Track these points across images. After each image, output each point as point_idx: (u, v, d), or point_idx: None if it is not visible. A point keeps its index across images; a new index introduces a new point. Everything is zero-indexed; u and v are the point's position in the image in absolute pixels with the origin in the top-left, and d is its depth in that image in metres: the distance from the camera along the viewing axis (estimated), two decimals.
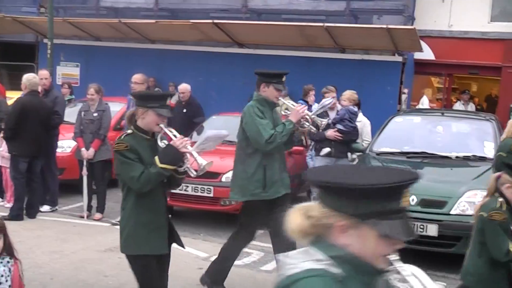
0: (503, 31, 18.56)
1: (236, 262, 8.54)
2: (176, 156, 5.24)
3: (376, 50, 17.48)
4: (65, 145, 12.38)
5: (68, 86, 15.64)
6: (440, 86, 21.51)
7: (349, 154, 10.93)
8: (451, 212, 8.63)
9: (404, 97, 17.16)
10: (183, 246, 5.65)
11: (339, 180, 2.17)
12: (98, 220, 10.74)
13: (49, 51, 16.80)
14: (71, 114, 12.12)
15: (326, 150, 10.48)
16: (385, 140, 10.60)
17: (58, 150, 11.69)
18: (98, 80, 12.28)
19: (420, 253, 8.97)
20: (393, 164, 9.99)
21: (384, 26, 15.71)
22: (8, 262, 4.06)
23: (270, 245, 9.37)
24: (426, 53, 18.60)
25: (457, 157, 9.87)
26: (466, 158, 9.90)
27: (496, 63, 18.71)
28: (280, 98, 7.23)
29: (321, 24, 16.41)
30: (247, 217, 7.22)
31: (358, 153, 10.69)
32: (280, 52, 18.13)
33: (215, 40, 18.69)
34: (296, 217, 2.28)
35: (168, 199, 10.68)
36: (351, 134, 10.44)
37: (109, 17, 19.88)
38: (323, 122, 7.59)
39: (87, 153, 10.68)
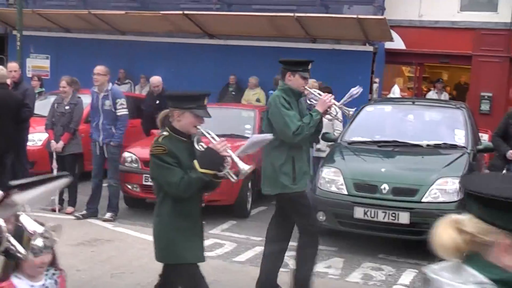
0: (473, 20, 18.70)
1: (209, 254, 8.56)
2: (217, 160, 4.99)
3: (347, 40, 17.49)
4: (36, 138, 12.28)
5: (38, 78, 15.52)
6: (411, 75, 21.65)
7: (314, 144, 10.97)
8: (423, 200, 8.69)
9: (375, 86, 17.23)
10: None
11: (507, 194, 1.93)
12: (70, 213, 10.67)
13: (18, 43, 16.63)
14: (41, 107, 12.02)
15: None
16: (356, 129, 10.62)
17: (29, 143, 11.58)
18: (68, 73, 12.18)
19: (392, 241, 9.07)
20: (365, 154, 10.05)
21: (355, 16, 15.76)
22: (53, 274, 3.89)
23: (243, 236, 9.39)
24: (397, 43, 18.68)
25: (428, 145, 9.92)
26: (437, 146, 9.95)
27: (467, 52, 18.85)
28: (306, 87, 6.89)
29: (291, 14, 16.43)
30: (291, 209, 6.94)
31: (329, 143, 10.71)
32: (251, 42, 18.12)
33: (185, 31, 18.59)
34: (447, 232, 2.08)
35: (140, 191, 10.80)
36: None
37: (79, 8, 19.68)
38: (351, 112, 7.19)
39: (56, 146, 10.59)
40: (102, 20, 18.91)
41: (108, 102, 10.43)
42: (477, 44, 18.75)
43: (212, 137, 5.13)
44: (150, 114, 13.51)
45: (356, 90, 7.25)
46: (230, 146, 5.11)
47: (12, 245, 2.71)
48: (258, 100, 16.33)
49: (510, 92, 18.92)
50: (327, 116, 6.93)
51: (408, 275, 8.22)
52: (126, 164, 11.04)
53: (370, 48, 17.23)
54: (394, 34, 17.68)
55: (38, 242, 2.78)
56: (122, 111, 10.49)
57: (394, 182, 8.83)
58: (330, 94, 7.04)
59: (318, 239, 7.12)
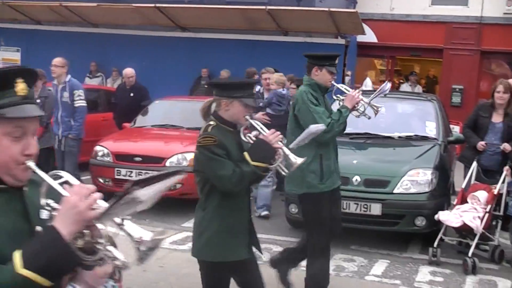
0: (444, 14, 18.84)
1: (182, 247, 8.55)
2: (269, 153, 4.75)
3: (319, 32, 17.53)
4: None
5: None
6: (383, 68, 21.79)
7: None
8: (394, 191, 8.74)
9: (347, 79, 17.29)
10: (261, 252, 5.18)
11: None
12: None
13: None
14: None
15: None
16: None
17: None
18: (39, 65, 11.97)
19: (365, 232, 9.11)
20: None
21: (327, 9, 15.79)
22: (113, 286, 3.72)
23: None
24: (369, 36, 18.78)
25: (399, 137, 9.98)
26: (409, 138, 10.02)
27: (438, 45, 19.00)
28: (333, 82, 6.66)
29: (263, 7, 16.43)
30: (310, 212, 6.68)
31: None
32: (223, 35, 18.10)
33: (157, 24, 18.51)
34: None
35: (112, 185, 10.69)
36: (281, 118, 10.24)
37: (50, 0, 19.49)
38: (380, 109, 6.89)
39: None
40: (73, 12, 18.75)
41: (66, 94, 10.38)
42: (448, 37, 18.91)
43: (261, 128, 4.91)
44: (124, 107, 13.48)
45: (386, 86, 7.12)
46: (282, 137, 4.88)
47: (110, 252, 2.39)
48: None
49: (480, 84, 19.11)
50: (354, 112, 6.69)
51: (380, 266, 8.26)
52: (98, 158, 10.96)
53: (342, 41, 17.27)
54: (366, 28, 17.75)
55: (146, 250, 2.48)
56: (80, 102, 10.42)
57: (365, 174, 8.87)
58: (358, 90, 6.88)
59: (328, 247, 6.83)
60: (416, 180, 8.81)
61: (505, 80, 9.72)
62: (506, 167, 8.70)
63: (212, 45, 17.78)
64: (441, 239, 8.50)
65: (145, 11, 17.58)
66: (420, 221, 8.67)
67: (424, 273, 8.00)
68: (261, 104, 10.68)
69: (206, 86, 17.19)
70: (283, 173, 5.01)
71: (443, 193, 9.25)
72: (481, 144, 9.06)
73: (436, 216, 8.34)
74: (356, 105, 6.60)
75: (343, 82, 16.87)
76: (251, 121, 4.85)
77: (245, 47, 17.54)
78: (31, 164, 2.44)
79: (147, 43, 18.75)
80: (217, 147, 4.64)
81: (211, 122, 4.82)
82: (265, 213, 10.49)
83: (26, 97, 2.40)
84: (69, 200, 2.27)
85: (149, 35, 18.99)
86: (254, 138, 4.86)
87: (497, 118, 9.20)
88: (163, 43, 18.57)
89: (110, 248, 2.37)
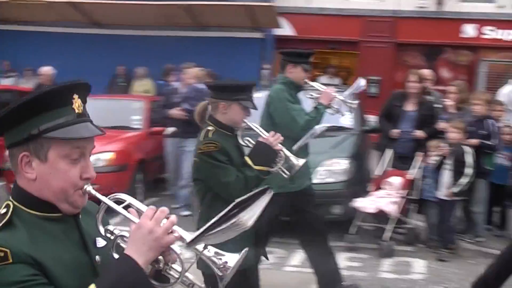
0: (359, 8, 19.10)
1: None
2: (271, 155, 4.67)
3: (236, 27, 17.51)
4: None
5: None
6: None
7: None
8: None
9: (265, 72, 17.33)
10: (267, 258, 5.15)
11: None
12: None
13: None
14: None
15: (171, 129, 10.43)
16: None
17: None
18: None
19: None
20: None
21: (243, 3, 15.78)
22: None
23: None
24: (287, 30, 18.85)
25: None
26: None
27: (354, 38, 19.24)
28: (306, 80, 6.60)
29: (179, 2, 16.29)
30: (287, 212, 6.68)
31: None
32: (139, 32, 17.90)
33: (72, 20, 18.13)
34: None
35: None
36: None
37: None
38: (354, 105, 6.86)
39: None
40: None
41: None
42: (364, 30, 19.18)
43: (260, 131, 4.80)
44: None
45: (362, 83, 7.10)
46: (282, 139, 4.75)
47: (187, 279, 2.21)
48: (147, 91, 16.05)
49: (396, 75, 19.44)
50: (328, 109, 6.60)
51: (298, 256, 8.30)
52: (7, 164, 10.63)
53: (259, 35, 17.31)
54: (283, 21, 17.82)
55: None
56: None
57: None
58: (333, 87, 6.87)
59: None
60: (332, 169, 8.88)
61: (417, 70, 9.97)
62: (419, 153, 8.90)
63: (128, 42, 17.57)
64: (358, 226, 8.62)
65: (59, 7, 17.17)
66: (337, 210, 8.75)
67: (342, 259, 8.06)
68: (178, 100, 10.58)
69: (123, 84, 16.93)
70: (284, 176, 4.95)
71: (359, 181, 9.36)
72: (395, 132, 9.24)
73: (352, 204, 8.44)
74: (331, 102, 6.55)
75: (260, 76, 16.95)
76: (249, 124, 4.74)
77: (162, 43, 17.38)
78: (90, 188, 2.22)
79: (62, 41, 18.36)
80: (220, 153, 4.48)
81: (210, 127, 4.62)
82: None
83: (82, 114, 2.20)
84: (144, 225, 2.08)
85: (64, 32, 18.61)
86: (253, 142, 4.74)
87: (409, 107, 9.40)
88: (78, 40, 18.24)
89: (187, 274, 2.19)
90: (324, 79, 19.43)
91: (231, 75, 14.80)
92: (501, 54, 19.12)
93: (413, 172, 8.87)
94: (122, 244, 2.21)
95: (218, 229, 2.06)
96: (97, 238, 2.30)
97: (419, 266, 8.19)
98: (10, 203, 2.15)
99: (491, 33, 18.85)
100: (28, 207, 2.15)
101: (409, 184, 8.83)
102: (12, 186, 2.22)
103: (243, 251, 2.22)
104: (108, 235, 2.26)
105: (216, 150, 4.46)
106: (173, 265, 2.20)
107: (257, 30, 17.46)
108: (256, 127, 4.86)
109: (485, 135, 9.04)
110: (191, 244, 2.11)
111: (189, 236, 2.14)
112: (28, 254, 2.01)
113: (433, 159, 8.70)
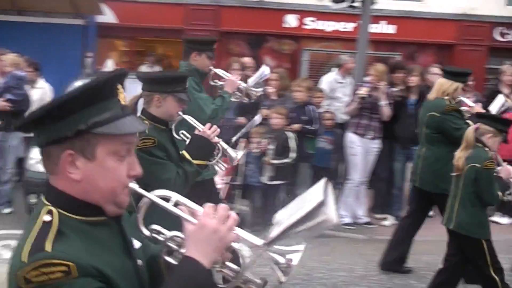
0: None
1: None
2: (209, 149, 4.50)
3: (58, 13, 16.95)
4: None
5: None
6: (125, 49, 21.63)
7: None
8: None
9: (88, 61, 16.95)
10: None
11: None
12: None
13: None
14: None
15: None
16: None
17: None
18: None
19: None
20: None
21: None
22: None
23: None
24: (110, 17, 18.54)
25: None
26: None
27: (178, 26, 19.29)
28: (211, 67, 6.54)
29: None
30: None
31: None
32: None
33: None
34: None
35: None
36: (22, 103, 9.79)
37: None
38: (258, 93, 6.84)
39: None
40: None
41: None
42: (187, 18, 19.30)
43: (196, 124, 4.62)
44: None
45: (267, 71, 7.11)
46: (219, 131, 4.57)
47: (246, 277, 2.07)
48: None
49: (221, 64, 19.69)
50: (233, 97, 6.58)
51: None
52: None
53: (80, 22, 16.89)
54: (106, 8, 17.51)
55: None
56: None
57: None
58: (237, 75, 6.82)
59: None
60: None
61: (238, 58, 10.27)
62: (242, 139, 9.08)
63: None
64: None
65: None
66: None
67: None
68: None
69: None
70: (222, 168, 4.89)
71: None
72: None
73: None
74: (235, 90, 6.55)
75: (83, 64, 16.58)
76: (184, 116, 4.58)
77: None
78: (135, 186, 2.02)
79: None
80: (157, 149, 4.30)
81: (145, 122, 4.37)
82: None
83: (126, 106, 1.98)
84: (208, 224, 1.94)
85: None
86: (188, 135, 4.62)
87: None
88: None
89: (247, 273, 2.08)
90: (144, 67, 19.34)
91: (52, 63, 14.42)
92: (322, 44, 19.94)
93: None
94: (172, 245, 2.09)
95: (304, 227, 1.94)
96: (133, 240, 2.13)
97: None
98: (53, 208, 1.91)
99: (312, 23, 19.62)
100: (73, 212, 1.93)
101: (233, 170, 8.99)
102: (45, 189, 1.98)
103: (303, 246, 2.06)
104: (155, 235, 2.12)
105: (153, 146, 4.29)
106: (228, 263, 2.12)
107: (79, 17, 17.00)
108: (191, 120, 4.73)
109: (306, 121, 9.41)
110: (270, 244, 2.02)
111: (252, 237, 2.07)
112: (91, 265, 1.81)
113: (255, 146, 8.90)
